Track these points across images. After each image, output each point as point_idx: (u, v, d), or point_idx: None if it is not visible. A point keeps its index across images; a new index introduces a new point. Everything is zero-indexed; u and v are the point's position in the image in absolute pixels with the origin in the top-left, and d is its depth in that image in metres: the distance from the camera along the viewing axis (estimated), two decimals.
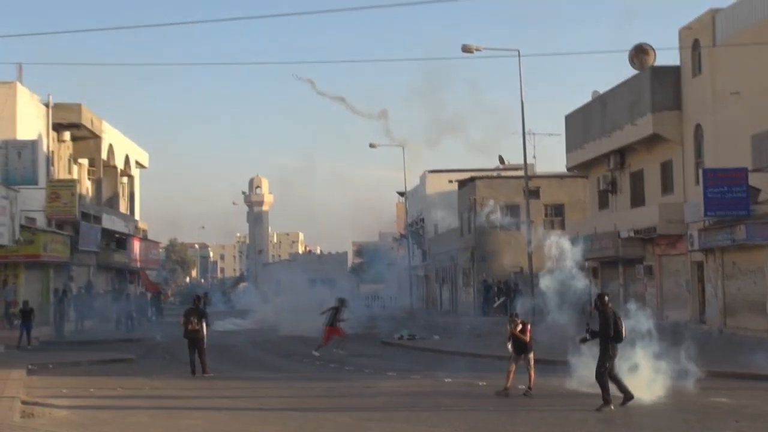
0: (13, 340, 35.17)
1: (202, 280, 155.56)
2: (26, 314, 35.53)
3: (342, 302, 34.79)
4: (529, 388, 19.80)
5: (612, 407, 17.45)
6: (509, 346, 20.33)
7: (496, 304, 52.99)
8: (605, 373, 17.67)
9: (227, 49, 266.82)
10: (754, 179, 32.20)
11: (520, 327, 20.19)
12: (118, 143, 58.11)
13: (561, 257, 31.23)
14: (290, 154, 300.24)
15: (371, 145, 72.39)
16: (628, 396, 17.87)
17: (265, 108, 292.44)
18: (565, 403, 18.57)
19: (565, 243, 31.36)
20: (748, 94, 33.40)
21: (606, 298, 18.29)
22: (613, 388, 17.85)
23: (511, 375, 20.01)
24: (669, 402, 18.58)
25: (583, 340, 18.61)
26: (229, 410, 18.93)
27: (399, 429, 16.21)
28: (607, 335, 17.73)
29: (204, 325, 26.35)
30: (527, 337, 20.18)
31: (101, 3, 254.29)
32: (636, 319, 19.73)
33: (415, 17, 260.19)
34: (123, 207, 61.53)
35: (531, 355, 20.24)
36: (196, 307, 26.92)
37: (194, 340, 26.17)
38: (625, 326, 18.09)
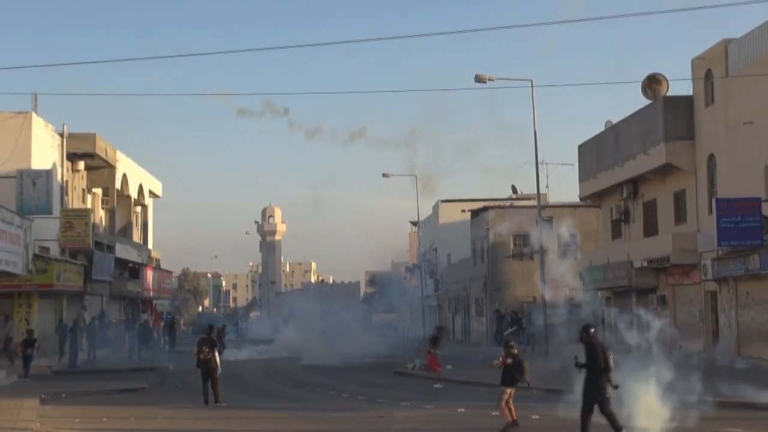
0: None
1: (215, 310, 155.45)
2: (29, 344, 35.40)
3: (440, 330, 35.03)
4: (515, 420, 19.29)
5: None
6: (497, 367, 19.95)
7: (507, 333, 52.85)
8: (607, 403, 17.22)
9: (241, 78, 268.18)
10: (767, 209, 32.15)
11: (509, 360, 19.65)
12: (132, 172, 58.32)
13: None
14: (303, 183, 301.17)
15: (385, 175, 72.60)
16: (618, 429, 17.28)
17: (278, 137, 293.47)
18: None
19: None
20: (761, 124, 33.42)
21: (592, 329, 17.80)
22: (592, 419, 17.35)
23: (505, 409, 19.33)
24: None
25: (578, 366, 17.83)
26: None
27: None
28: (596, 367, 17.25)
29: (216, 354, 26.39)
30: (525, 373, 19.64)
31: (114, 33, 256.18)
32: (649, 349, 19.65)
33: (427, 47, 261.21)
34: (136, 236, 61.65)
35: (513, 390, 19.53)
36: (209, 336, 27.02)
37: (207, 369, 26.21)
38: (612, 356, 17.50)
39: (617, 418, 17.26)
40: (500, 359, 19.92)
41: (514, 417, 19.25)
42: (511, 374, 19.52)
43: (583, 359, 17.48)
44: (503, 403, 19.23)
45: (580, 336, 17.87)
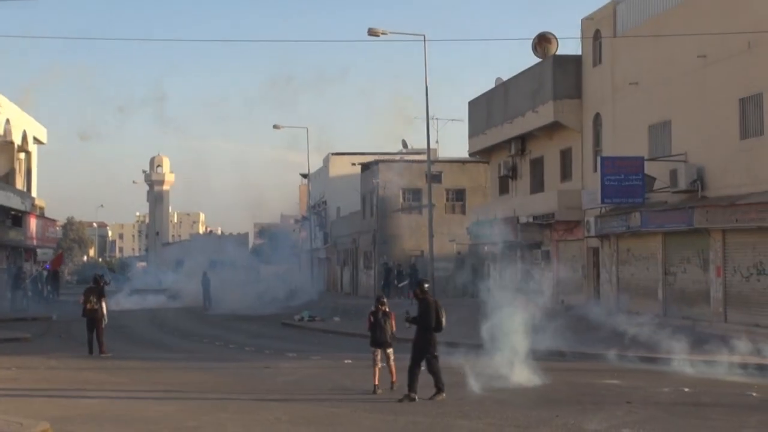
0: None
1: (100, 259, 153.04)
2: None
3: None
4: (393, 382, 18.26)
5: (416, 399, 16.84)
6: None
7: (400, 285, 53.35)
8: (435, 361, 17.16)
9: (133, 20, 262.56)
10: (650, 168, 32.93)
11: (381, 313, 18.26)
12: (16, 117, 56.80)
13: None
14: (194, 133, 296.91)
15: (275, 126, 72.14)
16: (440, 390, 17.19)
17: (170, 84, 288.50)
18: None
19: None
20: (646, 85, 34.15)
21: (426, 285, 17.78)
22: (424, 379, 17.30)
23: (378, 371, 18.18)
24: (562, 384, 19.02)
25: (408, 321, 17.56)
26: (127, 390, 18.78)
27: (299, 409, 16.28)
28: (427, 324, 17.20)
29: (103, 304, 26.18)
30: (392, 327, 18.28)
31: None
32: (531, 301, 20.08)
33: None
34: (20, 183, 60.18)
35: (390, 350, 18.34)
36: (96, 286, 26.72)
37: (93, 319, 25.95)
38: (445, 316, 17.49)
39: (441, 378, 17.25)
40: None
41: (391, 375, 18.36)
42: (375, 334, 18.30)
43: (416, 314, 17.48)
44: (375, 366, 18.15)
45: (414, 292, 18.09)
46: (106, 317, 26.31)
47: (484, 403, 16.56)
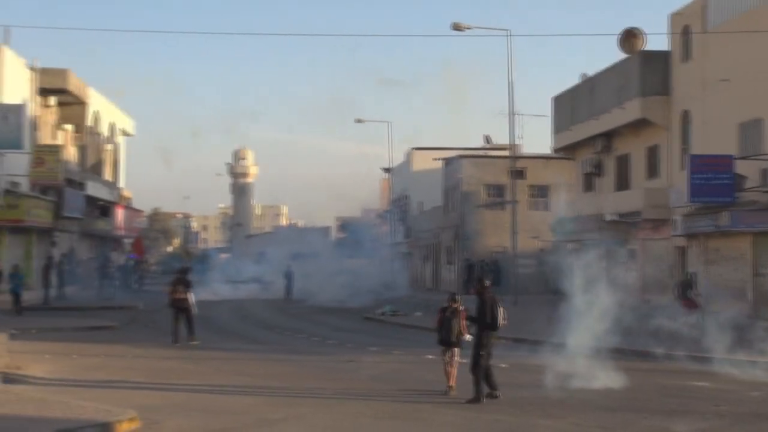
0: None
1: (168, 249, 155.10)
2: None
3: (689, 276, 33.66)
4: (450, 386, 17.24)
5: (482, 402, 16.30)
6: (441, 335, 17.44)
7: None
8: (480, 364, 16.52)
9: (219, 17, 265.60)
10: (739, 166, 32.33)
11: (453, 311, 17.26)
12: (104, 110, 57.87)
13: None
14: (277, 127, 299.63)
15: (358, 120, 72.43)
16: (494, 393, 16.61)
17: (253, 79, 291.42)
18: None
19: None
20: (736, 82, 33.49)
21: (487, 282, 17.25)
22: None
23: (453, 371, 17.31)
24: (650, 385, 18.75)
25: (468, 320, 17.14)
26: (211, 380, 18.98)
27: (381, 403, 16.28)
28: (480, 322, 16.81)
29: (191, 294, 26.68)
30: (462, 326, 17.19)
31: None
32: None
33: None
34: (107, 174, 61.34)
35: (456, 350, 17.35)
36: (183, 276, 27.25)
37: (179, 309, 26.41)
38: (504, 314, 16.88)
39: (482, 385, 16.46)
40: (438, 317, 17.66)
41: (449, 378, 17.34)
42: (440, 333, 17.50)
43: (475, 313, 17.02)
44: (446, 364, 17.43)
45: (475, 289, 17.40)
46: (195, 307, 26.81)
47: (567, 402, 16.38)
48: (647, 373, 20.61)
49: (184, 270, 28.24)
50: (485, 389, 16.59)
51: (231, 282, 61.29)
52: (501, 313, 16.82)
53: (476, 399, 16.38)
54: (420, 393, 17.46)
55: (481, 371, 16.54)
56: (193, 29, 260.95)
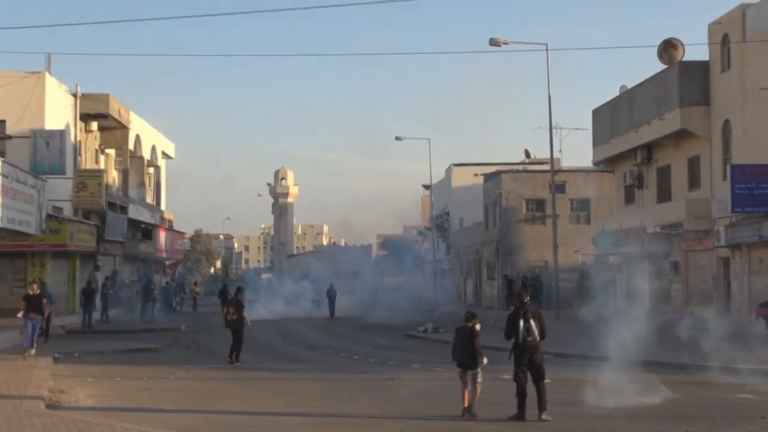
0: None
1: (227, 272, 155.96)
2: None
3: None
4: (466, 408, 16.39)
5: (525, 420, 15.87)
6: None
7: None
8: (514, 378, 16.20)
9: (255, 40, 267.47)
10: None
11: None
12: (145, 133, 58.32)
13: None
14: (317, 146, 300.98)
15: (398, 138, 72.50)
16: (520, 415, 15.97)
17: (292, 98, 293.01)
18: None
19: None
20: None
21: (524, 297, 16.85)
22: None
23: (467, 393, 16.46)
24: (693, 398, 18.54)
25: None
26: (254, 401, 19.00)
27: (423, 421, 16.20)
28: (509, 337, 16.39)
29: (244, 314, 26.98)
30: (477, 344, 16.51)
31: None
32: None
33: (439, 11, 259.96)
34: (149, 197, 61.76)
35: (474, 372, 16.48)
36: (236, 297, 27.57)
37: (234, 330, 26.73)
38: (544, 327, 16.36)
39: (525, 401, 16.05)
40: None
41: (465, 400, 16.46)
42: (453, 353, 16.82)
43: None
44: (464, 389, 16.52)
45: (514, 304, 16.93)
46: (249, 322, 27.17)
47: (611, 417, 16.22)
48: (691, 386, 20.37)
49: (238, 291, 28.61)
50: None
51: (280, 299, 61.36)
52: (541, 327, 16.33)
53: (519, 416, 16.13)
54: (462, 410, 17.34)
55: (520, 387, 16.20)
56: (227, 51, 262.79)
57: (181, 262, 69.04)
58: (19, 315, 27.96)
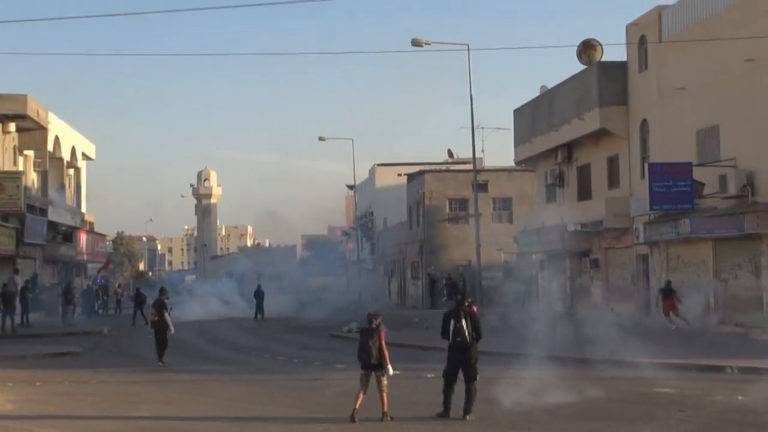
0: None
1: (150, 273, 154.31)
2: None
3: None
4: (384, 413, 16.14)
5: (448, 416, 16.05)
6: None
7: (444, 299, 53.19)
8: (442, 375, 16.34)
9: (178, 39, 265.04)
10: (698, 173, 32.62)
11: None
12: (65, 134, 57.48)
13: None
14: (240, 147, 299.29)
15: (321, 138, 72.35)
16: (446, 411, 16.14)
17: (212, 99, 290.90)
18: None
19: None
20: (693, 90, 33.85)
21: (462, 297, 16.74)
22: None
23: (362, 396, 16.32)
24: (613, 393, 18.83)
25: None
26: (176, 404, 18.85)
27: (346, 422, 16.22)
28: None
29: (167, 316, 26.77)
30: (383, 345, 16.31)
31: None
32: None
33: (368, 10, 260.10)
34: (69, 199, 60.86)
35: (380, 374, 16.33)
36: (159, 299, 27.46)
37: (157, 331, 26.85)
38: (482, 325, 16.44)
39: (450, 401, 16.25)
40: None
41: (383, 408, 16.23)
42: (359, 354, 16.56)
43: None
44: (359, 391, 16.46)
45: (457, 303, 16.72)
46: (171, 328, 26.94)
47: (533, 414, 16.40)
48: (611, 381, 20.69)
49: (161, 292, 28.34)
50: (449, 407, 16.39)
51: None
52: (480, 325, 16.42)
53: (444, 414, 16.25)
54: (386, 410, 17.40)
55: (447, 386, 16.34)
56: (146, 50, 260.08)
57: (108, 264, 68.11)
58: None
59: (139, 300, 48.78)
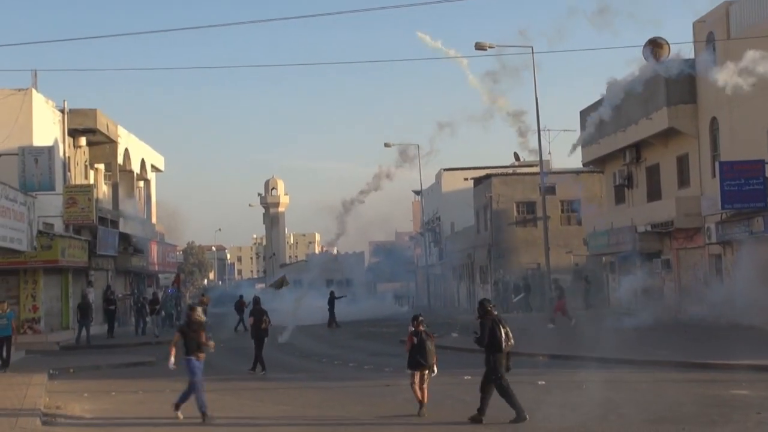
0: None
1: (219, 282, 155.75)
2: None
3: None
4: (422, 403, 17.21)
5: (482, 421, 16.10)
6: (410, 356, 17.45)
7: (515, 299, 52.97)
8: (502, 383, 16.15)
9: (241, 51, 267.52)
10: None
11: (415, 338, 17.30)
12: (134, 147, 58.27)
13: None
14: (306, 155, 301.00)
15: (386, 144, 72.45)
16: (520, 416, 15.97)
17: (278, 108, 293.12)
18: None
19: None
20: (763, 86, 33.28)
21: (487, 305, 16.61)
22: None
23: (417, 391, 17.31)
24: (687, 396, 18.58)
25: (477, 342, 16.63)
26: (250, 412, 18.98)
27: (419, 426, 16.20)
28: (480, 344, 16.36)
29: (266, 324, 27.29)
30: (428, 355, 17.11)
31: (115, 9, 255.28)
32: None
33: (427, 16, 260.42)
34: (140, 211, 61.61)
35: (427, 373, 17.39)
36: (260, 306, 27.75)
37: (261, 339, 27.37)
38: (509, 334, 16.17)
39: (486, 403, 16.33)
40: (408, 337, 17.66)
41: (422, 399, 17.26)
42: (414, 356, 17.36)
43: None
44: (414, 386, 17.34)
45: (478, 312, 16.74)
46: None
47: (607, 417, 16.24)
48: (685, 383, 20.41)
49: (257, 300, 28.74)
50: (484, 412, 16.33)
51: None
52: (503, 334, 16.19)
53: (475, 419, 16.23)
54: (459, 414, 17.36)
55: (504, 391, 16.23)
56: (213, 63, 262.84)
57: (180, 277, 68.74)
58: None
59: (240, 307, 49.96)
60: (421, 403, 17.21)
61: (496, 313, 16.66)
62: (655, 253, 42.78)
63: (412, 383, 17.37)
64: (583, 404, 17.31)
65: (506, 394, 16.15)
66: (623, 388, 19.17)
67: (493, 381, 16.23)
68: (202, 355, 18.07)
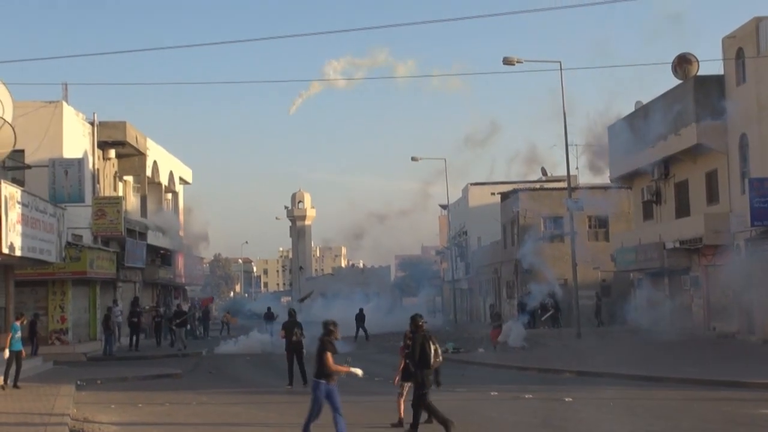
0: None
1: (246, 295, 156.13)
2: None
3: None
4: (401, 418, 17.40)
5: None
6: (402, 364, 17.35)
7: (544, 317, 52.74)
8: (421, 400, 16.35)
9: (269, 64, 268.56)
10: None
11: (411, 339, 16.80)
12: (163, 160, 58.60)
13: None
14: (333, 168, 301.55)
15: (413, 159, 72.56)
16: (447, 425, 16.08)
17: (305, 122, 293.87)
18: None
19: None
20: None
21: (419, 321, 16.62)
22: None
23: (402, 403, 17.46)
24: (716, 415, 18.43)
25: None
26: (276, 425, 19.00)
27: None
28: (415, 359, 16.39)
29: (299, 337, 27.09)
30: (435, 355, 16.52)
31: (144, 23, 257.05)
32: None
33: (455, 31, 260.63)
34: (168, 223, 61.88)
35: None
36: (295, 319, 27.61)
37: (297, 351, 26.88)
38: (437, 351, 16.34)
39: (418, 417, 16.58)
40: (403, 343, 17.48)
41: (402, 415, 17.34)
42: (407, 368, 17.03)
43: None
44: (401, 400, 17.55)
45: (410, 328, 16.80)
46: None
47: None
48: (714, 401, 20.25)
49: (293, 313, 28.60)
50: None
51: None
52: (432, 351, 16.32)
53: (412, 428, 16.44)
54: (484, 429, 17.31)
55: (420, 408, 16.46)
56: (241, 77, 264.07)
57: (212, 300, 69.00)
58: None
59: (269, 319, 50.85)
60: (401, 419, 17.23)
61: (426, 329, 16.73)
62: (683, 269, 42.53)
63: (400, 394, 17.43)
64: (611, 421, 17.21)
65: (429, 409, 16.38)
66: (650, 406, 19.06)
67: (416, 394, 16.42)
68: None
